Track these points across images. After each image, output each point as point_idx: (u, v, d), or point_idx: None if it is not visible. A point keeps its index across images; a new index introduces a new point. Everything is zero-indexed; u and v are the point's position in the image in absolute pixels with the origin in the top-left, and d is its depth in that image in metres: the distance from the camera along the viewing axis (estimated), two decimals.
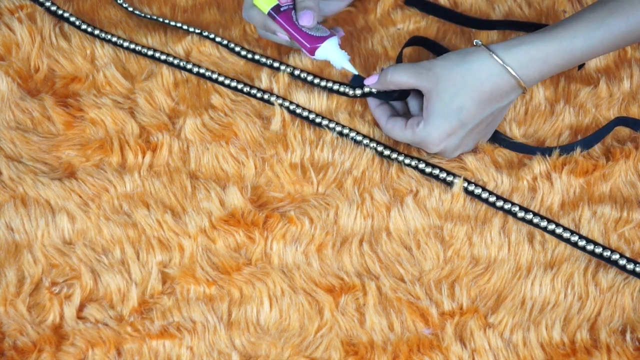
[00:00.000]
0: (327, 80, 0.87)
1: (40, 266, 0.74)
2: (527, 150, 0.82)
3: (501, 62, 0.75)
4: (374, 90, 0.82)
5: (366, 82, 0.81)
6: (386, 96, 0.82)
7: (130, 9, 0.97)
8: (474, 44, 0.77)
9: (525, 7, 0.96)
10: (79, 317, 0.71)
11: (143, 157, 0.82)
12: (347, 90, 0.85)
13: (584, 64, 0.90)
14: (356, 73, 0.82)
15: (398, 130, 0.80)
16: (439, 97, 0.76)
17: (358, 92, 0.84)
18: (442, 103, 0.76)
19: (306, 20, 0.82)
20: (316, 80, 0.88)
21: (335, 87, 0.86)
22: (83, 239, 0.76)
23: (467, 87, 0.75)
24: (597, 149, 0.82)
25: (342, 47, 0.85)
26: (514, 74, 0.75)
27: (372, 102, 0.83)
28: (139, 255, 0.75)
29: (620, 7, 0.74)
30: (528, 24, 0.93)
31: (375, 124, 0.85)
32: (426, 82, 0.77)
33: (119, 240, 0.76)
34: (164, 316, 0.71)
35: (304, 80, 0.88)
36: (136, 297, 0.72)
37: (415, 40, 0.91)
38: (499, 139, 0.83)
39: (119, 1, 0.98)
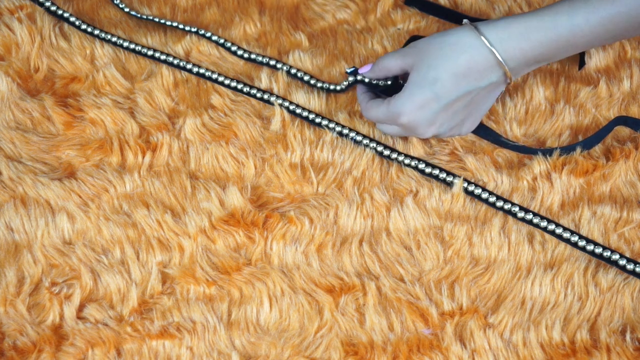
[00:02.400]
0: (323, 82, 0.87)
1: (40, 266, 0.74)
2: (528, 151, 0.82)
3: (477, 34, 0.73)
4: (366, 79, 0.82)
5: (360, 70, 0.83)
6: (374, 87, 0.82)
7: (127, 9, 0.97)
8: (462, 22, 0.77)
9: (525, 7, 0.96)
10: (79, 317, 0.71)
11: (143, 157, 0.82)
12: (337, 87, 0.86)
13: (584, 64, 0.90)
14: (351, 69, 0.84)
15: (375, 107, 0.79)
16: (417, 68, 0.76)
17: (350, 79, 0.83)
18: (418, 74, 0.75)
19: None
20: (312, 81, 0.88)
21: (332, 87, 0.86)
22: (83, 239, 0.76)
23: (443, 59, 0.74)
24: (597, 149, 0.82)
25: (341, 47, 0.85)
26: (488, 45, 0.73)
27: (360, 88, 0.84)
28: (139, 256, 0.75)
29: None
30: None
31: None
32: (409, 58, 0.77)
33: (119, 240, 0.76)
34: (164, 316, 0.71)
35: (300, 79, 0.89)
36: (136, 297, 0.72)
37: (416, 39, 0.91)
38: (499, 141, 0.83)
39: (115, 2, 0.98)
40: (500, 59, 0.74)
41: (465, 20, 0.76)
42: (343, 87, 0.86)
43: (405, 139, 0.83)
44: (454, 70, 0.74)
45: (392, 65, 0.78)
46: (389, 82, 0.81)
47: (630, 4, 0.71)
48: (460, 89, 0.75)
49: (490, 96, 0.78)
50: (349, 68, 0.83)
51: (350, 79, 0.84)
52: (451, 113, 0.77)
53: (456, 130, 0.80)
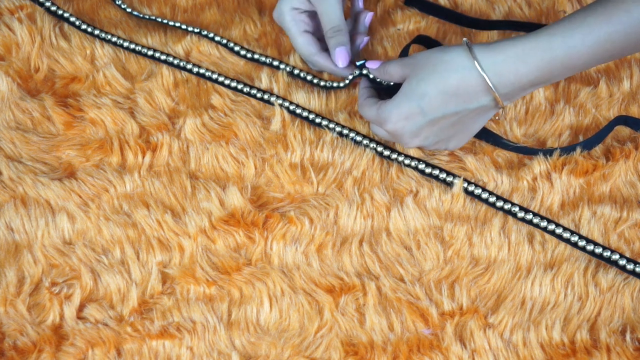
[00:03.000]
0: (326, 80, 0.87)
1: (40, 266, 0.74)
2: (529, 151, 0.82)
3: (471, 57, 0.73)
4: (371, 75, 0.83)
5: (368, 63, 0.83)
6: (377, 83, 0.83)
7: (129, 10, 0.97)
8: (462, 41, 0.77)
9: (525, 7, 0.96)
10: (79, 317, 0.71)
11: (143, 157, 0.82)
12: (340, 84, 0.87)
13: None
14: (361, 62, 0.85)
15: (367, 107, 0.79)
16: (409, 79, 0.76)
17: (356, 71, 0.85)
18: (410, 86, 0.75)
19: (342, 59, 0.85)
20: (315, 80, 0.88)
21: (335, 84, 0.87)
22: (83, 239, 0.76)
23: (435, 75, 0.74)
24: (597, 149, 0.82)
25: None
26: (480, 70, 0.72)
27: (364, 81, 0.84)
28: (139, 256, 0.75)
29: (601, 7, 0.71)
30: (528, 24, 0.93)
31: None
32: (407, 69, 0.77)
33: (119, 240, 0.76)
34: (164, 316, 0.71)
35: (303, 79, 0.89)
36: (136, 297, 0.72)
37: (420, 40, 0.91)
38: (500, 143, 0.82)
39: (117, 2, 0.98)
40: (491, 84, 0.73)
41: (464, 39, 0.75)
42: (347, 82, 0.86)
43: None
44: (443, 88, 0.74)
45: (393, 72, 0.79)
46: (392, 83, 0.81)
47: (627, 22, 0.70)
48: (448, 108, 0.75)
49: (479, 119, 0.77)
50: (359, 61, 0.84)
51: (356, 71, 0.84)
52: (436, 129, 0.77)
53: (442, 145, 0.80)
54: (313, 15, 0.88)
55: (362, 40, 0.88)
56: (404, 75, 0.77)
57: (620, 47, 0.72)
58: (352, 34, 0.89)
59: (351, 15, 0.91)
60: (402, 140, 0.78)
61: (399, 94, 0.76)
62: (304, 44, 0.87)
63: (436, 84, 0.74)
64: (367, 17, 0.89)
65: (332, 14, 0.84)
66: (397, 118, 0.76)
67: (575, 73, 0.76)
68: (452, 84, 0.74)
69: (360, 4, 0.90)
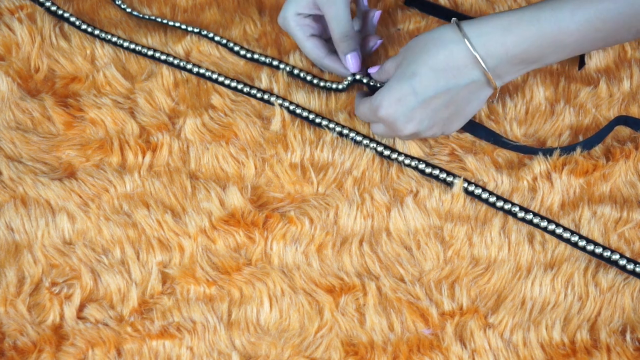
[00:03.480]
0: (325, 81, 0.88)
1: (40, 266, 0.74)
2: (529, 151, 0.82)
3: (458, 29, 0.72)
4: (364, 79, 0.84)
5: (370, 70, 0.84)
6: (372, 88, 0.84)
7: (129, 10, 0.97)
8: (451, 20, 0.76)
9: None
10: (79, 317, 0.71)
11: (143, 157, 0.82)
12: (338, 85, 0.87)
13: (584, 64, 0.90)
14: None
15: (362, 104, 0.79)
16: (400, 64, 0.76)
17: (349, 77, 0.86)
18: (401, 69, 0.75)
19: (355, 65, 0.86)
20: (315, 80, 0.88)
21: (334, 85, 0.87)
22: (83, 239, 0.76)
23: (423, 53, 0.74)
24: (597, 149, 0.82)
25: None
26: (466, 41, 0.71)
27: (359, 94, 0.84)
28: (139, 255, 0.75)
29: None
30: None
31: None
32: (399, 57, 0.77)
33: (119, 240, 0.76)
34: (164, 316, 0.71)
35: (303, 79, 0.89)
36: (136, 297, 0.72)
37: None
38: (500, 141, 0.82)
39: (117, 2, 0.98)
40: (478, 55, 0.72)
41: (453, 19, 0.75)
42: (344, 85, 0.86)
43: None
44: (432, 65, 0.73)
45: (389, 67, 0.79)
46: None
47: (618, 0, 0.69)
48: (439, 86, 0.74)
49: (473, 98, 0.77)
50: (370, 68, 0.85)
51: (349, 77, 0.85)
52: (430, 111, 0.76)
53: (438, 130, 0.78)
54: (318, 18, 0.88)
55: (375, 42, 0.88)
56: (397, 65, 0.77)
57: (612, 28, 0.70)
58: (362, 35, 0.89)
59: (358, 15, 0.91)
60: (396, 126, 0.77)
61: (391, 79, 0.76)
62: (312, 48, 0.87)
63: (425, 62, 0.73)
64: (375, 16, 0.89)
65: (340, 19, 0.83)
66: (390, 102, 0.75)
67: (568, 55, 0.74)
68: (440, 59, 0.73)
69: (365, 3, 0.90)
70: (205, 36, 0.94)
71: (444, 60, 0.73)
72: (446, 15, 0.96)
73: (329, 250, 0.76)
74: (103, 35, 0.93)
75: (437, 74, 0.73)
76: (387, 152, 0.82)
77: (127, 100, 0.88)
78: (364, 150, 0.82)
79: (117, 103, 0.87)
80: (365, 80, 0.85)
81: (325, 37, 0.89)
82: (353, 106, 0.87)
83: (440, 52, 0.73)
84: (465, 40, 0.72)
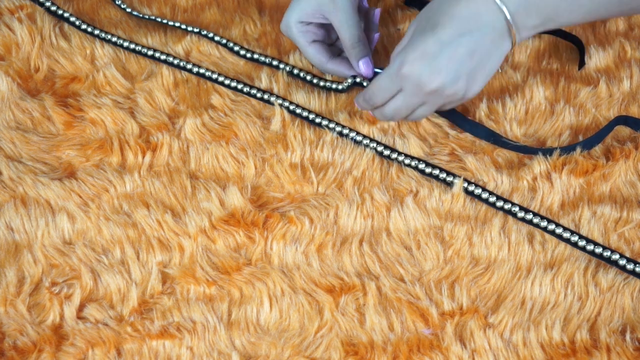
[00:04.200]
0: (325, 80, 0.88)
1: (40, 266, 0.74)
2: (529, 151, 0.82)
3: None
4: (364, 83, 0.86)
5: (377, 69, 0.85)
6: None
7: (129, 10, 0.97)
8: None
9: None
10: (79, 317, 0.71)
11: (143, 157, 0.82)
12: (339, 86, 0.87)
13: (584, 64, 0.90)
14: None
15: (377, 78, 0.77)
16: (418, 26, 0.75)
17: (349, 80, 0.86)
18: (419, 27, 0.74)
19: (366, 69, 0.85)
20: (315, 80, 0.88)
21: (334, 86, 0.87)
22: (83, 239, 0.76)
23: (444, 5, 0.73)
24: (597, 149, 0.82)
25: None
26: None
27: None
28: (139, 255, 0.75)
29: None
30: None
31: (375, 123, 0.85)
32: (414, 23, 0.76)
33: (119, 240, 0.76)
34: (164, 316, 0.71)
35: (303, 79, 0.89)
36: (136, 297, 0.72)
37: None
38: (500, 141, 0.83)
39: (117, 2, 0.98)
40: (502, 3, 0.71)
41: None
42: (344, 87, 0.86)
43: (404, 137, 0.83)
44: (454, 14, 0.72)
45: (407, 34, 0.77)
46: None
47: None
48: (463, 32, 0.72)
49: (494, 50, 0.74)
50: (376, 68, 0.85)
51: (350, 79, 0.85)
52: (455, 62, 0.73)
53: (462, 85, 0.75)
54: (320, 24, 0.87)
55: (374, 37, 0.88)
56: (413, 30, 0.76)
57: None
58: (365, 33, 0.89)
59: (359, 16, 0.90)
60: (422, 81, 0.74)
61: (412, 38, 0.74)
62: (315, 54, 0.87)
63: (446, 12, 0.72)
64: (376, 15, 0.89)
65: (350, 25, 0.83)
66: (414, 56, 0.73)
67: (582, 17, 0.73)
68: (462, 7, 0.72)
69: (365, 3, 0.90)
70: (205, 36, 0.94)
71: (465, 7, 0.72)
72: None
73: (329, 250, 0.76)
74: (103, 35, 0.93)
75: (460, 22, 0.72)
76: (387, 152, 0.82)
77: (127, 100, 0.88)
78: (364, 150, 0.82)
79: (117, 103, 0.87)
80: (365, 83, 0.85)
81: (327, 42, 0.89)
82: (353, 106, 0.87)
83: (461, 2, 0.72)
84: None
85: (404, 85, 0.75)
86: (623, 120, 0.83)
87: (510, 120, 0.85)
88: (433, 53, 0.73)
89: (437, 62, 0.73)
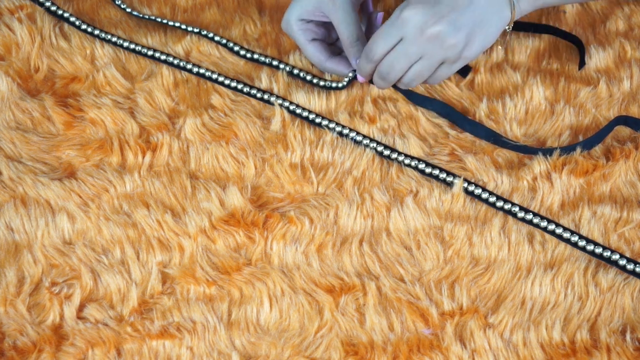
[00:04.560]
0: (325, 80, 0.88)
1: (40, 266, 0.74)
2: (529, 151, 0.82)
3: None
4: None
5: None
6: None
7: (129, 10, 0.97)
8: None
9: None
10: (79, 317, 0.71)
11: (143, 157, 0.82)
12: (338, 84, 0.87)
13: (584, 64, 0.90)
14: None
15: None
16: None
17: (350, 74, 0.86)
18: None
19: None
20: (315, 80, 0.88)
21: (334, 84, 0.87)
22: (83, 239, 0.76)
23: None
24: (597, 149, 0.82)
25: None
26: None
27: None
28: (139, 255, 0.75)
29: None
30: (528, 24, 0.93)
31: (374, 122, 0.85)
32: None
33: (119, 240, 0.76)
34: (164, 316, 0.71)
35: (303, 79, 0.89)
36: (136, 297, 0.72)
37: None
38: (500, 141, 0.83)
39: (117, 2, 0.98)
40: None
41: None
42: (344, 83, 0.86)
43: (404, 137, 0.83)
44: None
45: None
46: None
47: None
48: None
49: (493, 15, 0.75)
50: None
51: (350, 75, 0.85)
52: (456, 12, 0.74)
53: (461, 37, 0.75)
54: (320, 22, 0.87)
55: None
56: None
57: None
58: (368, 36, 0.89)
59: (362, 17, 0.91)
60: (422, 24, 0.74)
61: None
62: (314, 52, 0.87)
63: None
64: (379, 18, 0.89)
65: (349, 23, 0.83)
66: (416, 1, 0.74)
67: None
68: None
69: (370, 7, 0.90)
70: (205, 36, 0.94)
71: None
72: None
73: (329, 250, 0.76)
74: (103, 35, 0.93)
75: None
76: (387, 152, 0.82)
77: (127, 100, 0.88)
78: (364, 150, 0.82)
79: (117, 103, 0.87)
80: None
81: (327, 41, 0.89)
82: (353, 106, 0.87)
83: None
84: None
85: (404, 32, 0.75)
86: (623, 120, 0.83)
87: (510, 120, 0.85)
88: (435, 0, 0.73)
89: (438, 8, 0.74)
